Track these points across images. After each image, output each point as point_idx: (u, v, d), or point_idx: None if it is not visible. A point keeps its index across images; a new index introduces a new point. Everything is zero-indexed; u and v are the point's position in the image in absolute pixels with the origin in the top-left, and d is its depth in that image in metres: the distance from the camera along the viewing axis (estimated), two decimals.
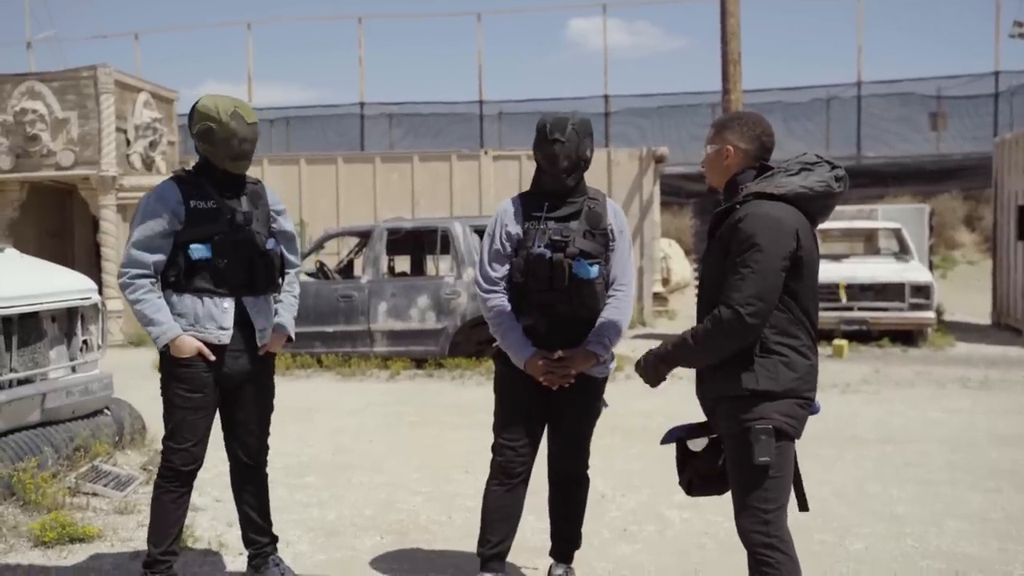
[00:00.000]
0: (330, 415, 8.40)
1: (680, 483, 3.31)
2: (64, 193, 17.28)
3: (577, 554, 4.15)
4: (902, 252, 14.29)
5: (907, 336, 13.19)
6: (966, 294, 19.51)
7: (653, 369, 3.16)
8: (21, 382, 5.53)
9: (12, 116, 15.01)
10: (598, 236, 3.85)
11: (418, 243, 12.25)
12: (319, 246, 12.01)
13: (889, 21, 50.35)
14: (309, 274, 11.51)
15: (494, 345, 3.93)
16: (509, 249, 3.84)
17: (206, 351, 3.81)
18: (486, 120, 27.00)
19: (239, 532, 4.23)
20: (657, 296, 17.54)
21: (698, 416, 3.27)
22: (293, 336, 4.19)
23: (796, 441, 3.04)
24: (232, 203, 3.90)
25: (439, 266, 12.77)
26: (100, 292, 6.26)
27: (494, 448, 3.90)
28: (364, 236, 12.03)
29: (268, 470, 4.21)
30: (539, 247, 3.77)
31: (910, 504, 5.40)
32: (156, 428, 4.12)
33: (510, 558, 4.02)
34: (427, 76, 60.56)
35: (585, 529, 4.14)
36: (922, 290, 12.98)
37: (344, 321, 11.23)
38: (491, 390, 4.06)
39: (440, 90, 66.23)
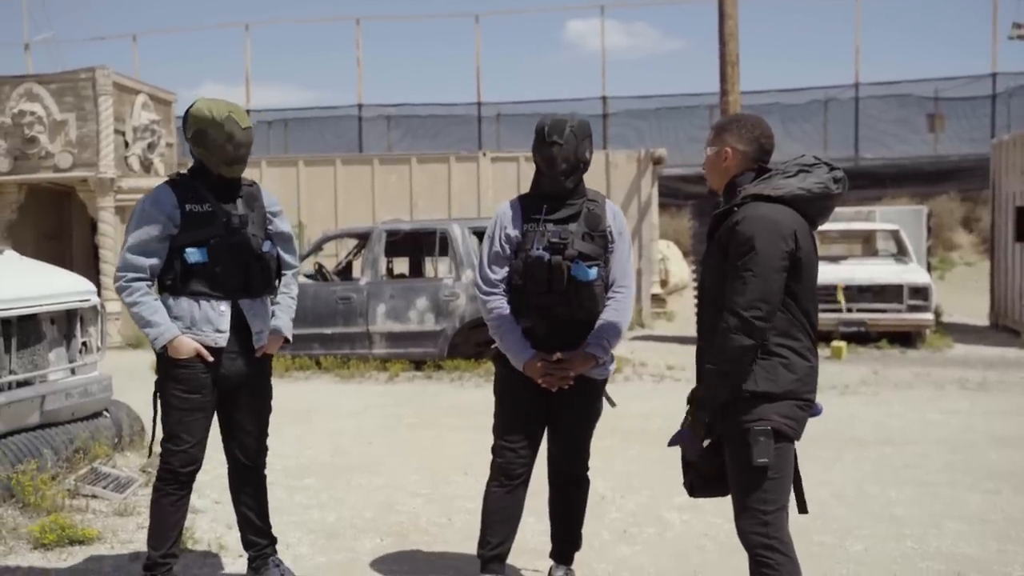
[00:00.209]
0: (329, 417, 8.40)
1: (684, 484, 3.32)
2: (62, 195, 17.26)
3: (577, 556, 4.15)
4: (900, 253, 14.31)
5: (905, 337, 13.20)
6: (964, 295, 19.52)
7: (696, 429, 3.07)
8: (20, 384, 5.52)
9: (10, 118, 14.99)
10: (597, 238, 3.85)
11: (417, 245, 12.25)
12: (318, 248, 12.00)
13: (887, 23, 50.40)
14: (308, 276, 11.51)
15: (493, 347, 3.93)
16: (508, 251, 3.84)
17: (204, 352, 3.81)
18: (484, 122, 27.04)
19: (238, 534, 4.23)
20: (655, 298, 17.55)
21: None
22: (290, 338, 4.19)
23: (795, 443, 3.05)
24: (227, 206, 3.91)
25: (438, 268, 12.77)
26: (99, 294, 6.26)
27: (494, 450, 3.91)
28: (363, 238, 12.02)
29: (267, 472, 4.21)
30: (538, 249, 3.77)
31: (909, 505, 5.40)
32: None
33: (510, 560, 4.03)
34: (425, 78, 60.56)
35: (585, 531, 4.14)
36: (920, 291, 12.99)
37: (343, 323, 11.22)
38: (490, 392, 4.06)
39: (438, 92, 66.21)
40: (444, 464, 6.47)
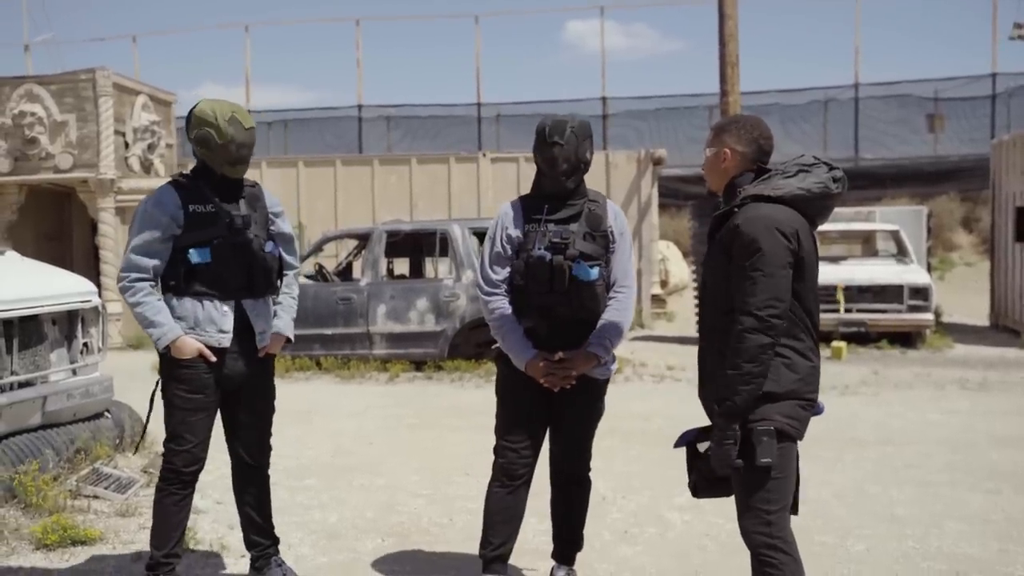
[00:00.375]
0: (329, 418, 8.40)
1: (688, 485, 3.32)
2: (62, 196, 17.26)
3: (579, 556, 4.15)
4: (900, 254, 14.31)
5: (905, 338, 13.20)
6: (964, 296, 19.52)
7: (725, 442, 2.96)
8: (22, 385, 5.53)
9: (10, 119, 14.99)
10: (598, 238, 3.85)
11: (417, 245, 12.24)
12: (318, 248, 12.00)
13: (887, 23, 50.38)
14: (308, 276, 11.51)
15: (495, 347, 3.94)
16: (510, 252, 3.85)
17: (207, 352, 3.82)
18: (484, 122, 27.05)
19: (240, 534, 4.24)
20: (655, 298, 17.56)
21: (698, 417, 3.28)
22: (292, 338, 4.20)
23: (798, 442, 3.05)
24: (230, 207, 3.92)
25: (438, 268, 12.78)
26: (99, 295, 6.26)
27: (496, 450, 3.91)
28: (363, 238, 12.02)
29: (269, 472, 4.21)
30: (539, 249, 3.78)
31: (910, 505, 5.41)
32: (156, 431, 4.12)
33: (512, 560, 4.03)
34: (425, 78, 60.56)
35: (586, 531, 4.14)
36: (920, 292, 13.00)
37: (343, 324, 11.22)
38: (490, 392, 4.07)
39: (438, 92, 66.16)
40: (445, 464, 6.47)
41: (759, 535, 2.98)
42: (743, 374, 2.91)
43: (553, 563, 4.13)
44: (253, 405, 4.05)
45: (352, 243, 13.13)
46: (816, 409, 3.08)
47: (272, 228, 4.08)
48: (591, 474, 4.06)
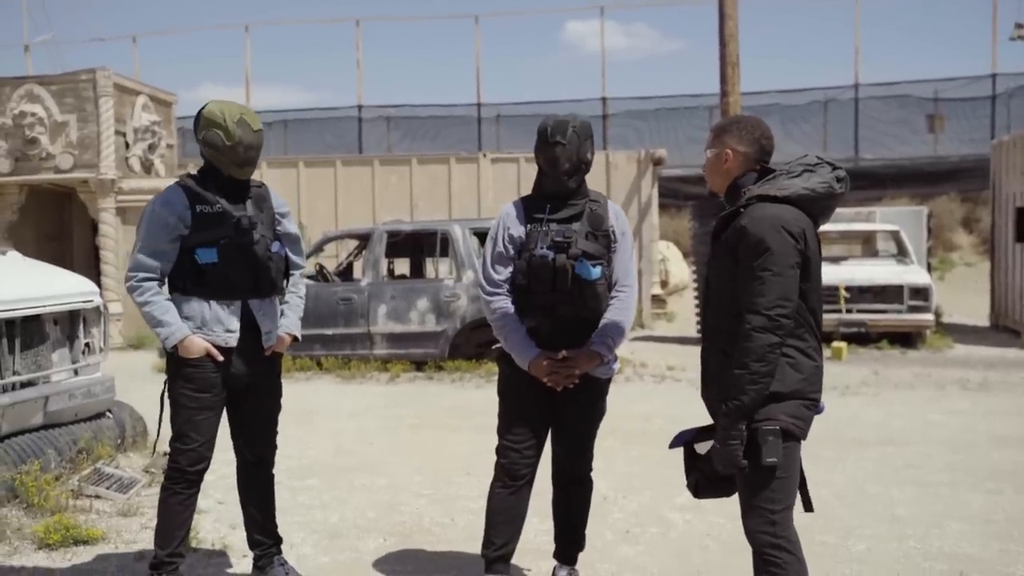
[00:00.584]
0: (330, 418, 8.40)
1: (687, 486, 3.32)
2: (63, 196, 17.27)
3: (580, 556, 4.16)
4: (900, 254, 14.32)
5: (906, 338, 13.21)
6: (964, 296, 19.53)
7: (731, 442, 2.94)
8: (24, 385, 5.54)
9: (11, 119, 15.00)
10: (600, 237, 3.86)
11: (417, 246, 12.26)
12: (318, 249, 12.01)
13: (887, 23, 50.37)
14: (309, 277, 11.51)
15: (496, 347, 3.94)
16: (512, 251, 3.85)
17: (214, 351, 3.84)
18: (484, 123, 27.04)
19: (243, 534, 4.25)
20: (656, 298, 17.57)
21: (699, 417, 3.28)
22: (299, 336, 4.22)
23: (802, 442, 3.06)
24: (237, 207, 3.94)
25: (438, 269, 12.79)
26: (100, 295, 6.27)
27: (498, 450, 3.91)
28: (363, 239, 12.03)
29: (273, 472, 4.22)
30: (542, 249, 3.78)
31: (911, 505, 5.41)
32: (161, 431, 4.12)
33: (514, 560, 4.03)
34: (425, 79, 60.52)
35: (588, 531, 4.15)
36: (921, 292, 13.01)
37: (344, 324, 11.23)
38: (491, 392, 4.07)
39: (438, 93, 66.11)
40: (446, 464, 6.48)
41: (763, 535, 2.99)
42: (751, 373, 2.90)
43: (555, 563, 4.14)
44: (260, 404, 4.06)
45: (353, 243, 13.14)
46: (817, 409, 3.09)
47: (278, 228, 4.10)
48: (593, 474, 4.07)
